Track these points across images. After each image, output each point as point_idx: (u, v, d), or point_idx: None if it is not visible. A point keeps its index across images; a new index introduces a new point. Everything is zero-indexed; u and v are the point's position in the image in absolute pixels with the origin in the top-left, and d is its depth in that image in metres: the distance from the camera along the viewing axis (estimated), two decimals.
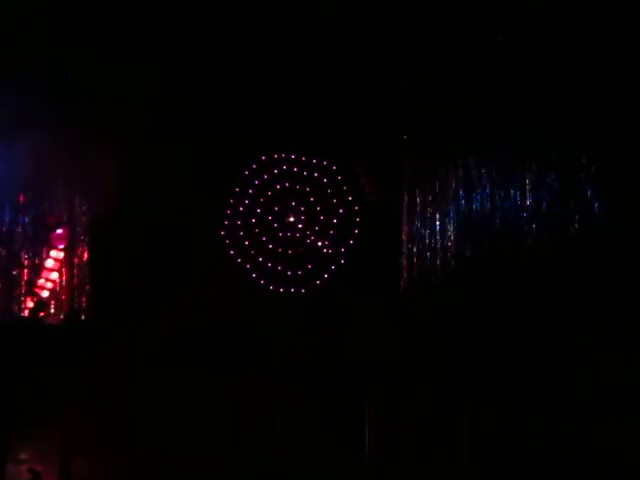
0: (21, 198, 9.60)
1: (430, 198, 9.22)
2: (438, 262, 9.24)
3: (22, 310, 9.54)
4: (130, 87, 9.13)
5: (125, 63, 9.17)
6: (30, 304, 9.29)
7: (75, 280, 9.67)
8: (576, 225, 8.92)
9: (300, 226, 9.45)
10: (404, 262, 9.33)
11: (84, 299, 9.66)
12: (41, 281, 9.61)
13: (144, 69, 9.21)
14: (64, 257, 9.68)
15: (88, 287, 9.66)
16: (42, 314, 8.74)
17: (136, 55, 9.18)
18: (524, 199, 9.12)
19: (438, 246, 9.19)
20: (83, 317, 9.25)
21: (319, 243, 9.48)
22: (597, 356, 7.85)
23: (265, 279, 9.33)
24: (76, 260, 9.73)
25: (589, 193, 8.91)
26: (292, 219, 9.42)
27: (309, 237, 9.47)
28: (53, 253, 9.66)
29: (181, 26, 9.09)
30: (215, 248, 9.44)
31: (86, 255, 9.71)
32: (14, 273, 9.65)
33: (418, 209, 9.21)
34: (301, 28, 8.88)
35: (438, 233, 9.17)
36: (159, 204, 9.16)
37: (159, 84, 9.24)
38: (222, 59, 9.27)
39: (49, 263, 9.65)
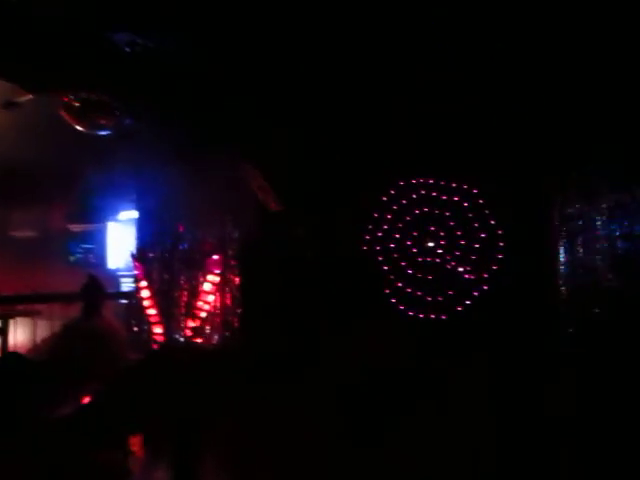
0: (181, 228, 10.48)
1: (578, 224, 8.65)
2: (588, 288, 8.65)
3: (183, 331, 10.40)
4: (282, 119, 9.47)
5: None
6: (192, 325, 10.14)
7: (228, 303, 10.34)
8: None
9: (440, 251, 9.26)
10: (550, 288, 8.83)
11: (235, 320, 10.28)
12: (199, 303, 10.40)
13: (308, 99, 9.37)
14: (219, 281, 10.40)
15: (240, 310, 10.25)
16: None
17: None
18: None
19: (587, 273, 8.60)
20: (234, 339, 9.92)
21: (460, 269, 9.23)
22: None
23: (404, 304, 9.27)
24: (228, 284, 10.40)
25: None
26: (431, 244, 9.26)
27: (449, 262, 9.25)
28: (210, 277, 10.41)
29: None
30: (352, 274, 9.54)
31: (237, 280, 10.32)
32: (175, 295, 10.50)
33: (564, 235, 8.68)
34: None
35: (586, 260, 8.57)
36: (300, 232, 9.50)
37: (311, 118, 9.47)
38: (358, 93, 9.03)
39: (206, 287, 10.41)
